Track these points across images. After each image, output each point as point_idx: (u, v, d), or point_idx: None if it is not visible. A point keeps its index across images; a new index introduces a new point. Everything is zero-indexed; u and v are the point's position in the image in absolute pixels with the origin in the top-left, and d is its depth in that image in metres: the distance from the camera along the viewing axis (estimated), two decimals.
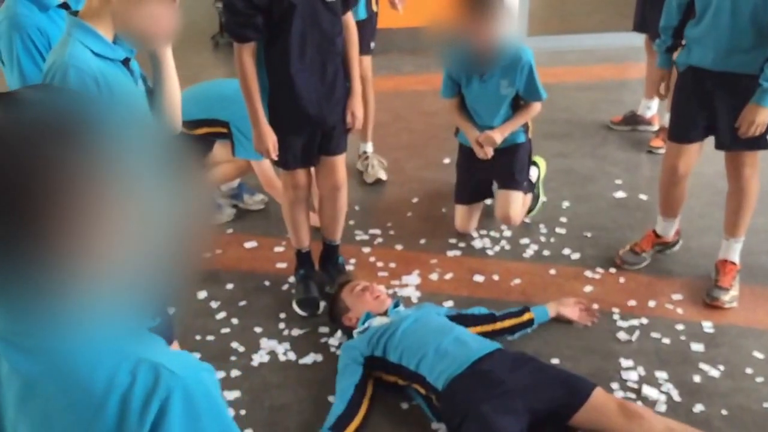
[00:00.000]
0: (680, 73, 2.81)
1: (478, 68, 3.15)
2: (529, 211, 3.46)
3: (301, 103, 2.62)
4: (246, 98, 2.60)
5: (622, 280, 3.05)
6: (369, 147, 4.03)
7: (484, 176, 3.38)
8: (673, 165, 2.93)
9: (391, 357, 2.38)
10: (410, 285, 3.03)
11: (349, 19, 2.71)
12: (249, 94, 2.58)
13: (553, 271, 3.12)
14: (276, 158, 2.66)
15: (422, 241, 3.37)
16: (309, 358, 2.62)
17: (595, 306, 2.87)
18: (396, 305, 2.67)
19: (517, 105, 3.31)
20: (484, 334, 2.54)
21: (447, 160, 4.13)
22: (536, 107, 3.28)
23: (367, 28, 3.68)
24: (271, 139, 2.61)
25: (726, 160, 2.83)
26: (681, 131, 2.87)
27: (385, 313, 2.60)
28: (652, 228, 3.17)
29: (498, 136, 3.18)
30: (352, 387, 2.33)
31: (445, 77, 3.29)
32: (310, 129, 2.70)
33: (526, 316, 2.69)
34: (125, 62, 1.70)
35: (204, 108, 3.36)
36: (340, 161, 2.84)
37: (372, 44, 3.74)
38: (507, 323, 2.65)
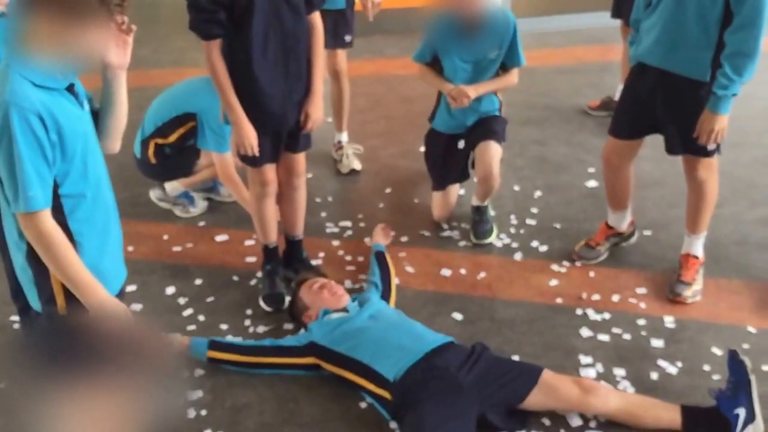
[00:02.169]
0: (631, 67, 2.80)
1: (468, 37, 3.15)
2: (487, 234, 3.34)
3: (264, 101, 2.62)
4: (221, 95, 2.61)
5: (587, 273, 3.06)
6: (344, 137, 4.02)
7: (459, 153, 3.36)
8: (607, 157, 2.94)
9: (342, 349, 2.43)
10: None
11: (316, 19, 2.70)
12: (223, 90, 2.58)
13: (520, 265, 3.14)
14: (258, 154, 2.66)
15: (392, 234, 3.38)
16: None
17: (559, 300, 2.90)
18: (354, 300, 2.71)
19: None
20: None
21: (423, 148, 4.12)
22: (512, 77, 3.28)
23: (343, 20, 3.66)
24: (252, 133, 2.62)
25: (682, 161, 2.83)
26: (618, 126, 2.87)
27: (344, 309, 2.63)
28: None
29: (471, 91, 3.18)
30: (270, 341, 2.60)
31: (425, 43, 3.26)
32: (274, 127, 2.71)
33: (388, 258, 3.04)
34: (69, 87, 1.68)
35: (172, 106, 3.38)
36: (302, 157, 2.87)
37: (347, 37, 3.71)
38: (392, 270, 2.98)
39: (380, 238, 3.20)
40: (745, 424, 2.13)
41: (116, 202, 1.91)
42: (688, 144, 2.69)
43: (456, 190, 3.48)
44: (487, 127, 3.30)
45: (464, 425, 2.15)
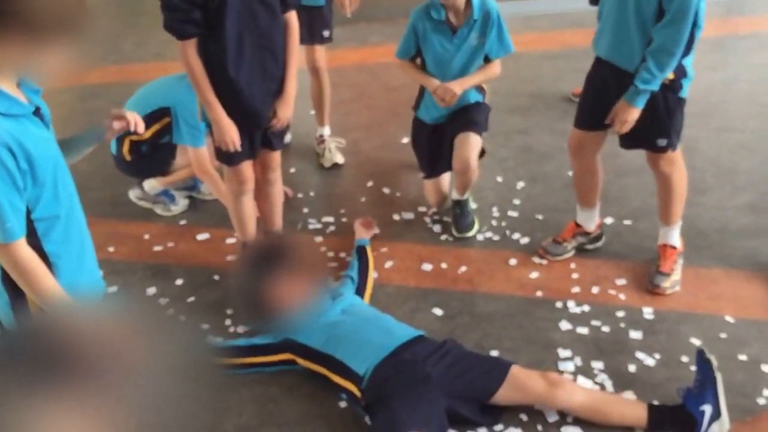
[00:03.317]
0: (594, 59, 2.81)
1: (450, 28, 3.12)
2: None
3: (241, 100, 2.63)
4: (199, 94, 2.62)
5: (568, 265, 3.06)
6: (326, 130, 4.01)
7: (445, 141, 3.34)
8: (572, 148, 2.95)
9: (315, 344, 2.45)
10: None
11: (292, 18, 2.69)
12: (200, 89, 2.59)
13: (501, 258, 3.14)
14: (240, 149, 2.68)
15: (375, 228, 3.37)
16: None
17: (539, 293, 2.90)
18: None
19: None
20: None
21: (405, 140, 4.11)
22: (496, 67, 3.24)
23: (319, 16, 3.63)
24: (232, 129, 2.63)
25: (645, 154, 2.83)
26: (580, 117, 2.87)
27: None
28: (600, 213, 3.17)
29: (457, 87, 3.16)
30: (245, 341, 2.61)
31: (407, 36, 3.22)
32: (252, 125, 2.72)
33: (369, 253, 3.07)
34: (35, 111, 1.65)
35: (146, 103, 3.38)
36: (278, 154, 2.90)
37: (325, 33, 3.69)
38: (371, 264, 3.02)
39: (362, 233, 3.21)
40: (711, 420, 2.14)
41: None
42: (637, 139, 2.70)
43: (448, 177, 3.47)
44: (468, 117, 3.28)
45: (434, 416, 2.17)
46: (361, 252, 3.05)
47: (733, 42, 5.57)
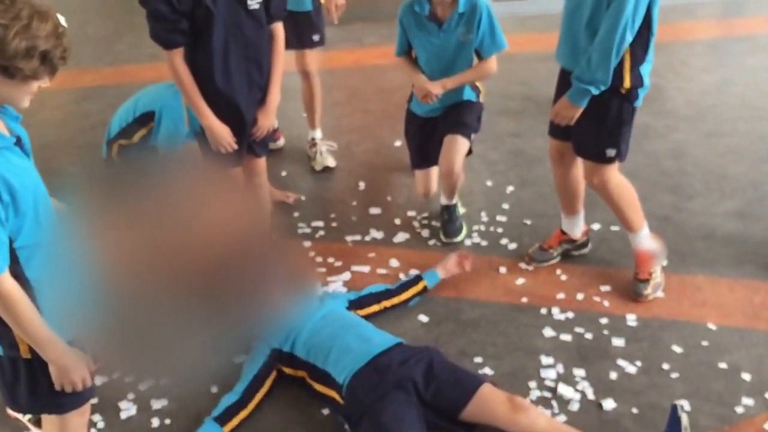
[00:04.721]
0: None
1: (437, 23, 3.14)
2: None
3: (227, 109, 2.66)
4: (189, 101, 2.64)
5: (554, 271, 3.08)
6: (317, 134, 4.03)
7: (435, 136, 3.36)
8: (551, 157, 2.97)
9: (299, 353, 2.48)
10: (339, 281, 3.07)
11: (278, 29, 2.72)
12: (190, 96, 2.62)
13: (488, 264, 3.16)
14: (237, 147, 2.71)
15: (365, 234, 3.40)
16: (240, 359, 2.68)
17: (525, 300, 2.93)
18: None
19: None
20: (386, 309, 2.82)
21: (398, 143, 4.15)
22: (489, 65, 3.23)
23: (308, 21, 3.65)
24: (226, 131, 2.67)
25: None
26: (552, 126, 2.88)
27: None
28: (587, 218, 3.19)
29: (438, 88, 3.17)
30: (250, 376, 2.47)
31: (399, 33, 3.26)
32: (238, 134, 2.74)
33: (420, 285, 2.91)
34: (16, 141, 1.66)
35: (135, 108, 3.44)
36: (262, 160, 2.94)
37: (315, 37, 3.71)
38: (405, 295, 2.87)
39: (445, 268, 2.96)
40: None
41: None
42: (586, 146, 2.73)
43: (437, 171, 3.47)
44: (458, 118, 3.29)
45: (414, 419, 2.19)
46: (408, 284, 2.89)
47: (729, 44, 5.58)
